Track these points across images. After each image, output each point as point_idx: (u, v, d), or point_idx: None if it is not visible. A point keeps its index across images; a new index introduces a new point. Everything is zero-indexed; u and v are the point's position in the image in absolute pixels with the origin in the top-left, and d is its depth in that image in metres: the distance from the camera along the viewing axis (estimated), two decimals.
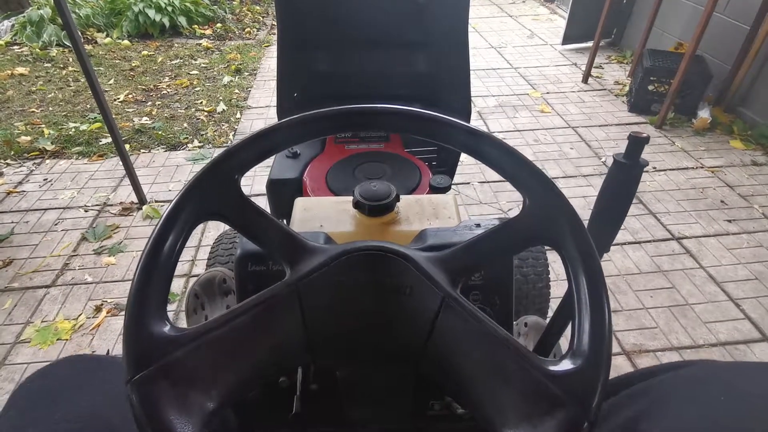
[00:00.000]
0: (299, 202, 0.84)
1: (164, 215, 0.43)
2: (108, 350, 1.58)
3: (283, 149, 0.48)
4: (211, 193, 0.45)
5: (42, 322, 1.67)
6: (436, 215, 0.80)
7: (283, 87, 1.37)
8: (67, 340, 1.60)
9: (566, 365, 0.39)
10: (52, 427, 0.45)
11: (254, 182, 2.36)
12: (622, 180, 0.55)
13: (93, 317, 1.69)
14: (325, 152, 1.29)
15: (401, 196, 0.81)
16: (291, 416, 0.58)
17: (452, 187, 1.14)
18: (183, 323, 1.44)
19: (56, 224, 2.14)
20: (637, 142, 0.52)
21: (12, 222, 2.15)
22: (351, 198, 0.77)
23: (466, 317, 0.41)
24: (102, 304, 1.73)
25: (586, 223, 0.46)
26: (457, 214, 0.81)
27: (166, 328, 0.40)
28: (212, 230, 2.08)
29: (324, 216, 0.80)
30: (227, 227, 2.08)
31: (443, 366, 0.42)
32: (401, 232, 0.77)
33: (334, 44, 1.36)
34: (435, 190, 1.06)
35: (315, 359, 0.43)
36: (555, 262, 1.65)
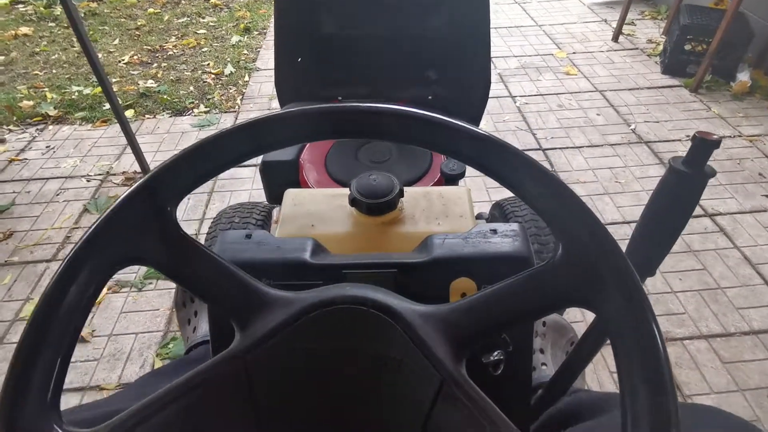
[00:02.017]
0: (289, 195, 0.74)
1: (62, 265, 0.32)
2: (92, 332, 1.53)
3: (233, 165, 0.37)
4: (132, 233, 0.34)
5: None
6: (446, 213, 0.69)
7: (283, 52, 1.24)
8: None
9: None
10: None
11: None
12: (681, 192, 0.43)
13: None
14: None
15: (406, 189, 0.71)
16: None
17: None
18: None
19: (58, 194, 2.07)
20: (704, 147, 0.39)
21: (13, 192, 2.09)
22: (348, 191, 0.67)
23: (474, 417, 0.30)
24: None
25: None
26: (471, 212, 0.70)
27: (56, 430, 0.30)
28: (217, 202, 2.00)
29: (316, 213, 0.70)
30: (232, 200, 2.01)
31: None
32: (404, 234, 0.66)
33: (340, 2, 1.22)
34: (447, 177, 0.94)
35: None
36: None
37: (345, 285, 0.34)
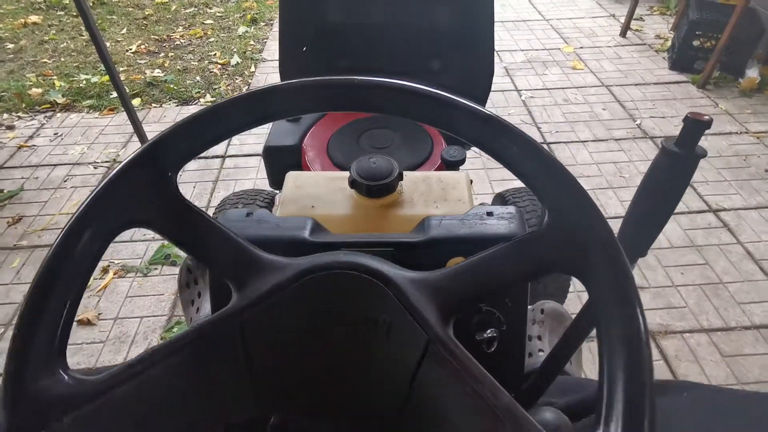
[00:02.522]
0: (291, 177, 0.75)
1: (67, 226, 0.33)
2: (98, 315, 1.56)
3: (233, 135, 0.38)
4: (135, 196, 0.35)
5: None
6: (445, 197, 0.70)
7: (287, 39, 1.25)
8: None
9: None
10: None
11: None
12: (673, 172, 0.44)
13: (100, 278, 1.66)
14: (328, 116, 1.18)
15: (406, 173, 0.71)
16: None
17: (474, 150, 1.02)
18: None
19: (65, 180, 2.10)
20: (695, 127, 0.40)
21: (22, 177, 2.12)
22: (348, 174, 0.68)
23: (458, 373, 0.31)
24: (109, 266, 1.70)
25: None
26: (469, 196, 0.71)
27: (60, 383, 0.31)
28: (221, 190, 2.01)
29: (317, 195, 0.71)
30: (236, 189, 2.02)
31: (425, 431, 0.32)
32: (403, 216, 0.67)
33: None
34: (447, 163, 0.95)
35: (265, 413, 0.34)
36: None
37: (339, 252, 0.36)
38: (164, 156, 0.36)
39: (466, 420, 0.31)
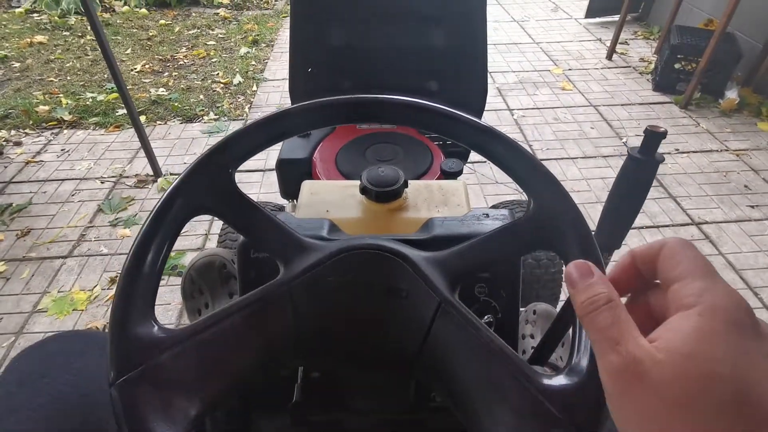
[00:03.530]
0: (306, 185, 0.83)
1: (154, 210, 0.41)
2: (105, 325, 1.61)
3: (278, 141, 0.47)
4: (204, 188, 0.43)
5: (58, 292, 1.70)
6: (445, 202, 0.78)
7: (296, 61, 1.34)
8: (82, 310, 1.64)
9: (563, 381, 0.36)
10: (34, 413, 0.45)
11: (268, 157, 2.35)
12: (637, 176, 0.53)
13: (108, 289, 1.72)
14: (336, 131, 1.26)
15: (410, 182, 0.80)
16: (291, 405, 0.58)
17: (467, 166, 1.11)
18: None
19: (73, 195, 2.16)
20: (653, 137, 0.49)
21: (30, 192, 2.18)
22: (359, 182, 0.76)
23: (463, 325, 0.39)
24: (116, 276, 1.76)
25: (597, 221, 0.44)
26: (467, 202, 0.79)
27: (153, 330, 0.39)
28: None
29: (331, 200, 0.79)
30: None
31: (437, 375, 0.40)
32: (408, 219, 0.75)
33: (348, 17, 1.32)
34: (446, 174, 1.03)
35: (305, 363, 0.42)
36: None
37: (366, 236, 0.44)
38: (227, 155, 0.44)
39: (468, 359, 0.39)
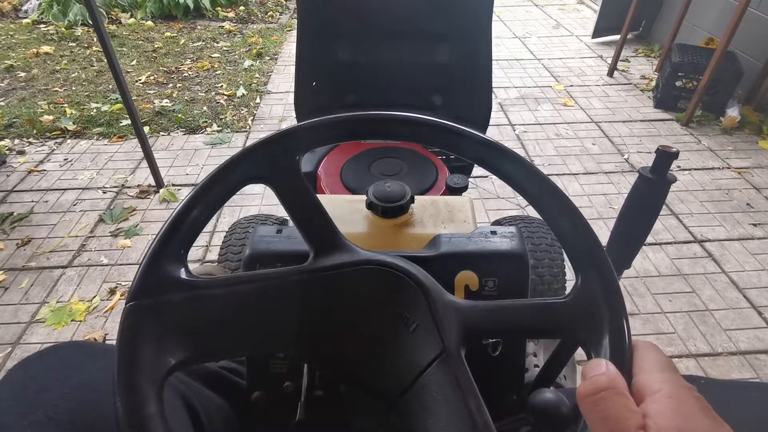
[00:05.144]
0: None
1: (223, 165, 0.43)
2: (104, 336, 1.60)
3: (341, 142, 0.47)
4: (268, 160, 0.45)
5: (57, 302, 1.69)
6: (451, 219, 0.78)
7: (302, 75, 1.35)
8: (81, 321, 1.63)
9: None
10: (29, 428, 0.44)
11: None
12: (648, 195, 0.52)
13: (107, 300, 1.71)
14: (341, 146, 1.26)
15: (416, 197, 0.79)
16: (294, 423, 0.57)
17: (470, 181, 1.11)
18: None
19: (75, 204, 2.16)
20: (665, 157, 0.48)
21: (32, 201, 2.18)
22: (365, 197, 0.75)
23: (456, 386, 0.37)
24: (116, 287, 1.75)
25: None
26: (473, 218, 0.78)
27: (179, 270, 0.41)
28: (227, 216, 2.08)
29: (337, 215, 0.78)
30: (242, 216, 2.09)
31: (411, 423, 0.38)
32: (415, 235, 0.75)
33: (354, 33, 1.33)
34: (452, 190, 1.03)
35: (299, 354, 0.41)
36: None
37: (398, 256, 0.43)
38: (297, 141, 0.46)
39: (446, 425, 0.36)
